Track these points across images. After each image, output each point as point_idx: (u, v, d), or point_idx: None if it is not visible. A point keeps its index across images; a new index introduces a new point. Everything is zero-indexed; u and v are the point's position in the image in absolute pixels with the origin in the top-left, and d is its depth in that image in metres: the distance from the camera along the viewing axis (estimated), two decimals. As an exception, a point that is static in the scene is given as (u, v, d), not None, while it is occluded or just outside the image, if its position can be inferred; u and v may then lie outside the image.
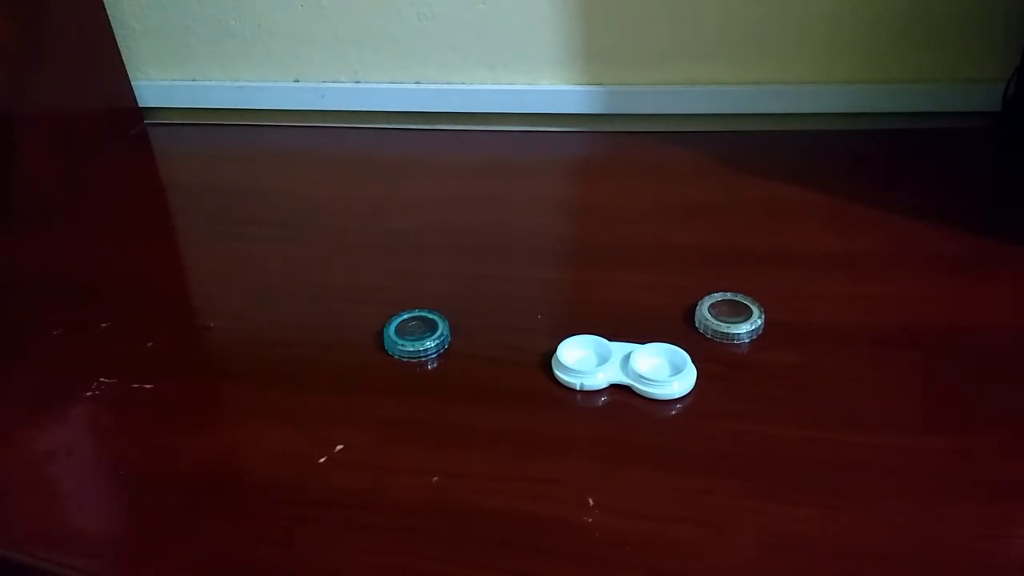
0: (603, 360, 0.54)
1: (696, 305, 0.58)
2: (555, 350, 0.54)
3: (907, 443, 0.47)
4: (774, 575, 0.40)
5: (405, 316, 0.59)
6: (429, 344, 0.56)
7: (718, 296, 0.59)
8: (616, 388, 0.52)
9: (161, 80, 1.00)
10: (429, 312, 0.59)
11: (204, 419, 0.53)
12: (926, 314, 0.58)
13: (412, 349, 0.56)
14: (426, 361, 0.56)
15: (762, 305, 0.57)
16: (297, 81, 0.97)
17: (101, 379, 0.56)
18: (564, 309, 0.62)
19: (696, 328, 0.57)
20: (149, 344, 0.60)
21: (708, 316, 0.57)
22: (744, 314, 0.57)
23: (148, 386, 0.56)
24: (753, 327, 0.56)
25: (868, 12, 0.82)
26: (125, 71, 0.99)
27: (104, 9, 0.94)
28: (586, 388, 0.52)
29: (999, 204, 0.73)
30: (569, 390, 0.53)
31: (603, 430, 0.50)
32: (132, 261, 0.72)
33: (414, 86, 0.94)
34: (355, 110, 0.97)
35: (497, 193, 0.80)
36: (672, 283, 0.63)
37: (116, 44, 0.96)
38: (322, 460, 0.48)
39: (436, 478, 0.47)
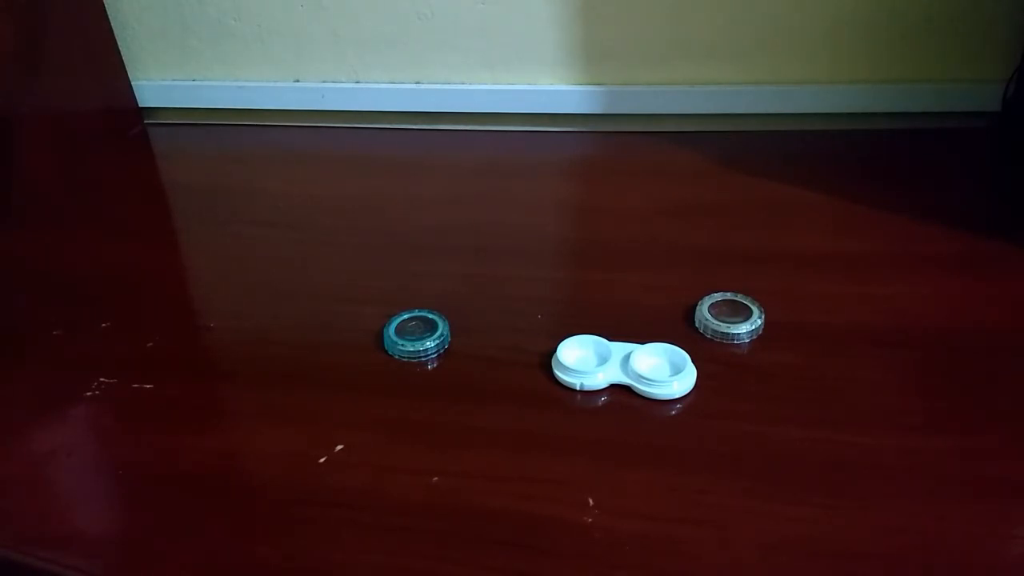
0: (603, 360, 0.54)
1: (696, 305, 0.58)
2: (555, 350, 0.54)
3: (907, 443, 0.47)
4: (773, 575, 0.40)
5: (405, 316, 0.59)
6: (429, 344, 0.56)
7: (718, 296, 0.59)
8: (616, 388, 0.52)
9: (161, 80, 1.00)
10: (429, 312, 0.59)
11: (204, 419, 0.53)
12: (926, 314, 0.58)
13: (412, 349, 0.56)
14: (426, 361, 0.56)
15: (762, 305, 0.57)
16: (297, 81, 0.97)
17: (101, 379, 0.56)
18: (564, 309, 0.62)
19: (696, 328, 0.57)
20: (149, 344, 0.60)
21: (708, 316, 0.57)
22: (744, 314, 0.57)
23: (148, 386, 0.56)
24: (753, 327, 0.56)
25: (868, 12, 0.82)
26: (125, 71, 0.99)
27: (104, 9, 0.94)
28: (586, 388, 0.52)
29: (999, 204, 0.73)
30: (569, 390, 0.53)
31: (603, 430, 0.50)
32: (132, 261, 0.72)
33: (414, 86, 0.94)
34: (355, 110, 0.97)
35: (497, 193, 0.80)
36: (672, 283, 0.63)
37: (116, 44, 0.97)
38: (322, 460, 0.48)
39: (436, 478, 0.47)
